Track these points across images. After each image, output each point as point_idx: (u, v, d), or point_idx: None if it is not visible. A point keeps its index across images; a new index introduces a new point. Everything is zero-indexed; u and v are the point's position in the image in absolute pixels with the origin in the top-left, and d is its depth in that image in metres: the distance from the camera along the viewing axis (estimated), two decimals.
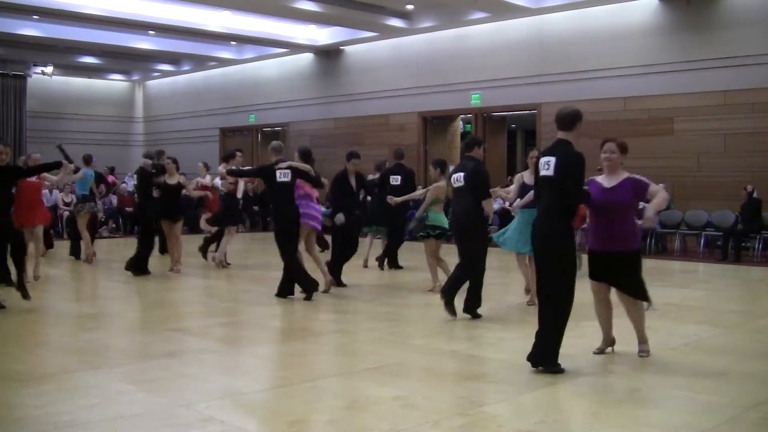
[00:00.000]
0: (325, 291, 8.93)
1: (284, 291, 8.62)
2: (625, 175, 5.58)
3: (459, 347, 6.30)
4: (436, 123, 19.23)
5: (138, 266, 10.47)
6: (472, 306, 7.35)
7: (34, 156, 10.53)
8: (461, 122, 19.90)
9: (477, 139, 7.88)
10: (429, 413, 4.40)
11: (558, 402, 4.65)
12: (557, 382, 5.04)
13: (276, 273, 10.29)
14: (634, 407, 4.60)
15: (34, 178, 9.80)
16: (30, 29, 19.49)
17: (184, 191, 11.33)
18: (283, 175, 8.57)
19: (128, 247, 11.09)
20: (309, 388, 5.05)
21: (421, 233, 8.95)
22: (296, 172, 8.66)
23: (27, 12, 17.76)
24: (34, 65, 24.33)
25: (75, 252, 12.75)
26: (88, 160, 12.32)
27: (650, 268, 12.12)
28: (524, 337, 6.35)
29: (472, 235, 7.35)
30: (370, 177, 11.93)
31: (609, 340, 5.86)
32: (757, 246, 13.13)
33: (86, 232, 12.19)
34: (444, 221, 8.88)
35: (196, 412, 4.40)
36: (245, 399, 4.80)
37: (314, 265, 9.12)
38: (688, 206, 14.29)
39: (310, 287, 8.48)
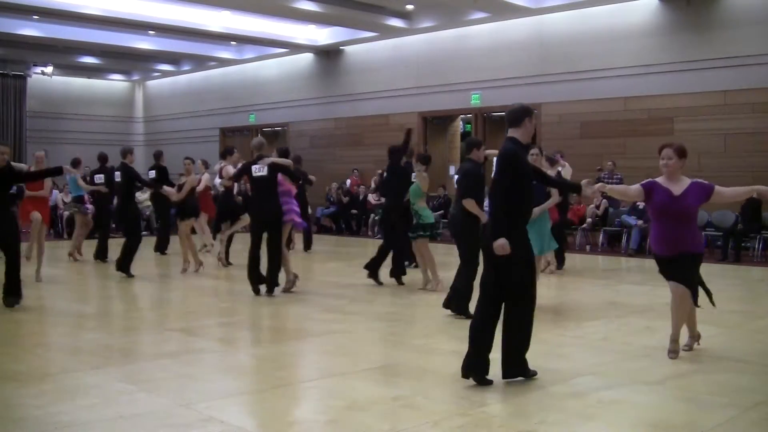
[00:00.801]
0: (286, 289, 9.05)
1: (272, 284, 8.85)
2: (688, 180, 5.62)
3: (459, 347, 6.28)
4: (436, 123, 19.22)
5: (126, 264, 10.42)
6: (463, 306, 7.39)
7: (37, 154, 10.42)
8: (461, 122, 19.90)
9: (474, 141, 7.84)
10: (429, 413, 4.40)
11: (558, 402, 4.65)
12: (557, 382, 5.04)
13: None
14: (634, 407, 4.60)
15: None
16: (30, 29, 19.47)
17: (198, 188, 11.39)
18: (259, 170, 8.77)
19: None
20: (309, 388, 5.06)
21: (417, 234, 9.07)
22: (275, 168, 8.79)
23: (27, 12, 17.74)
24: (34, 65, 24.30)
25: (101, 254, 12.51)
26: (75, 164, 12.36)
27: (651, 268, 12.10)
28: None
29: (463, 235, 7.44)
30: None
31: (695, 336, 5.96)
32: (757, 246, 13.12)
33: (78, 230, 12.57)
34: (431, 216, 9.09)
35: (196, 412, 4.40)
36: (245, 399, 4.80)
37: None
38: None
39: (274, 284, 8.85)
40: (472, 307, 7.36)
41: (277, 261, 8.82)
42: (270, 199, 8.79)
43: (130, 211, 10.68)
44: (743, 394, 4.82)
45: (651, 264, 12.56)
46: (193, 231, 11.58)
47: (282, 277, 9.04)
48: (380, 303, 8.50)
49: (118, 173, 10.76)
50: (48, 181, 10.23)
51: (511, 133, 5.15)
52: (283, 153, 9.33)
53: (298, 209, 9.30)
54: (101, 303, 9.06)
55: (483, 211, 7.47)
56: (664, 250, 5.64)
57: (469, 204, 7.34)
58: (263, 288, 8.90)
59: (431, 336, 6.69)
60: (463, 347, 6.27)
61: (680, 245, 5.57)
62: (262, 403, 4.77)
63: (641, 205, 14.17)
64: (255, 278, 8.87)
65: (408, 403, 4.60)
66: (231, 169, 11.55)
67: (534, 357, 5.51)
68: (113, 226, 14.36)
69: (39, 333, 7.06)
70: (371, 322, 7.45)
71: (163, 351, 6.14)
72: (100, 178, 12.18)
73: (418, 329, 7.01)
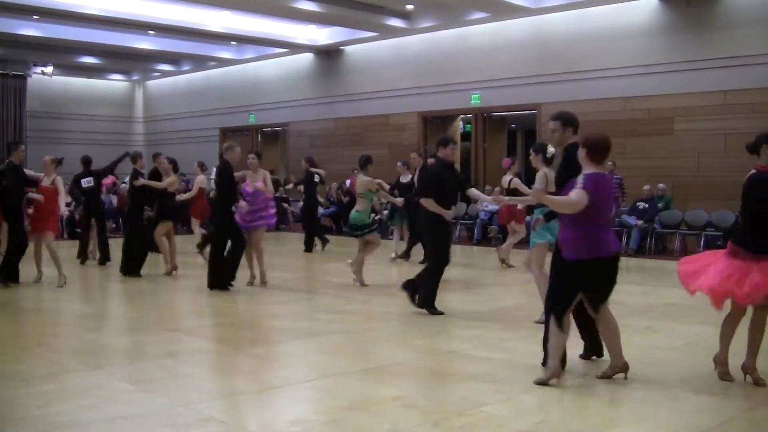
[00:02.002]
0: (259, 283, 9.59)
1: (224, 281, 9.17)
2: (586, 172, 4.90)
3: (459, 347, 6.30)
4: (436, 123, 19.22)
5: (135, 267, 10.44)
6: (429, 302, 7.58)
7: (45, 158, 10.11)
8: (461, 122, 19.90)
9: (442, 140, 7.82)
10: (429, 413, 4.40)
11: (558, 402, 4.65)
12: (557, 383, 5.04)
13: (276, 273, 10.32)
14: (634, 407, 4.60)
15: (48, 184, 9.72)
16: (30, 29, 19.48)
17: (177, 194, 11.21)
18: (212, 174, 9.28)
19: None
20: (309, 388, 5.06)
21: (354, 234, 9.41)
22: (221, 170, 9.05)
23: (27, 12, 17.75)
24: (34, 65, 24.31)
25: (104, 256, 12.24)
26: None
27: (651, 268, 12.14)
28: (524, 337, 6.36)
29: (425, 232, 7.76)
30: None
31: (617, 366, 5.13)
32: None
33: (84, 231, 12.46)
34: (359, 218, 9.24)
35: (196, 412, 4.40)
36: (245, 399, 4.80)
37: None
38: (688, 206, 14.28)
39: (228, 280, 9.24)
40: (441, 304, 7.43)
41: (235, 259, 9.16)
42: (218, 202, 9.21)
43: (139, 217, 10.68)
44: (743, 395, 4.81)
45: (651, 264, 12.63)
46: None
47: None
48: (379, 303, 8.50)
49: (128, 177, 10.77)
50: (61, 193, 10.02)
51: (576, 139, 5.36)
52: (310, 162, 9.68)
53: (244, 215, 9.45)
54: (101, 303, 9.05)
55: (448, 211, 7.45)
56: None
57: (428, 203, 7.42)
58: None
59: (431, 336, 6.69)
60: (463, 347, 6.28)
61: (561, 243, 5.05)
62: (262, 403, 4.77)
63: (641, 205, 14.17)
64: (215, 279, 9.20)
65: (408, 403, 4.60)
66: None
67: (534, 357, 5.51)
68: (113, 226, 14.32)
69: (39, 333, 7.05)
70: (371, 322, 7.45)
71: (163, 351, 6.14)
72: (88, 181, 11.94)
73: (418, 329, 7.01)
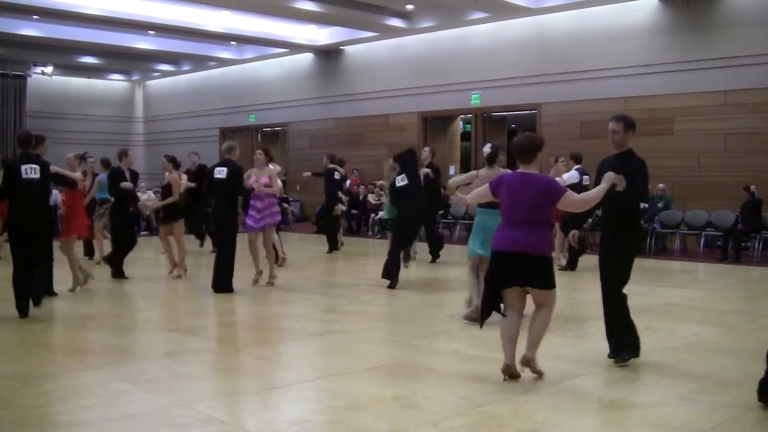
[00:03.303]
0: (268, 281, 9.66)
1: (223, 285, 9.03)
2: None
3: (459, 347, 6.30)
4: (436, 123, 19.22)
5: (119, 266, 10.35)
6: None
7: (69, 155, 9.63)
8: (461, 122, 19.91)
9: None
10: (429, 413, 4.40)
11: (558, 402, 4.65)
12: (557, 383, 5.04)
13: (276, 273, 10.32)
14: (634, 407, 4.60)
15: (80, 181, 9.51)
16: (30, 29, 19.49)
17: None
18: (218, 173, 9.00)
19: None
20: (309, 388, 5.06)
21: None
22: (235, 174, 9.01)
23: (27, 12, 17.76)
24: (34, 65, 24.32)
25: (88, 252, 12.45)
26: (106, 164, 11.99)
27: (651, 268, 12.13)
28: (524, 336, 6.35)
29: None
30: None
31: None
32: (757, 246, 13.12)
33: (100, 235, 12.03)
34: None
35: (196, 412, 4.40)
36: (245, 399, 4.81)
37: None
38: (688, 206, 14.28)
39: (221, 284, 9.06)
40: None
41: (226, 262, 9.05)
42: (222, 202, 9.06)
43: (119, 214, 10.52)
44: (743, 394, 4.81)
45: (651, 264, 12.63)
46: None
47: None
48: (380, 303, 8.50)
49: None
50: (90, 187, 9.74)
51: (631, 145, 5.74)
52: (337, 162, 9.96)
53: (254, 214, 9.45)
54: (101, 303, 9.04)
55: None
56: None
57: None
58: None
59: (431, 336, 6.69)
60: (463, 347, 6.28)
61: None
62: (262, 403, 4.77)
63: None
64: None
65: (408, 403, 4.60)
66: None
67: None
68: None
69: (39, 333, 7.05)
70: (371, 322, 7.44)
71: (163, 351, 6.14)
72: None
73: (418, 329, 7.01)
